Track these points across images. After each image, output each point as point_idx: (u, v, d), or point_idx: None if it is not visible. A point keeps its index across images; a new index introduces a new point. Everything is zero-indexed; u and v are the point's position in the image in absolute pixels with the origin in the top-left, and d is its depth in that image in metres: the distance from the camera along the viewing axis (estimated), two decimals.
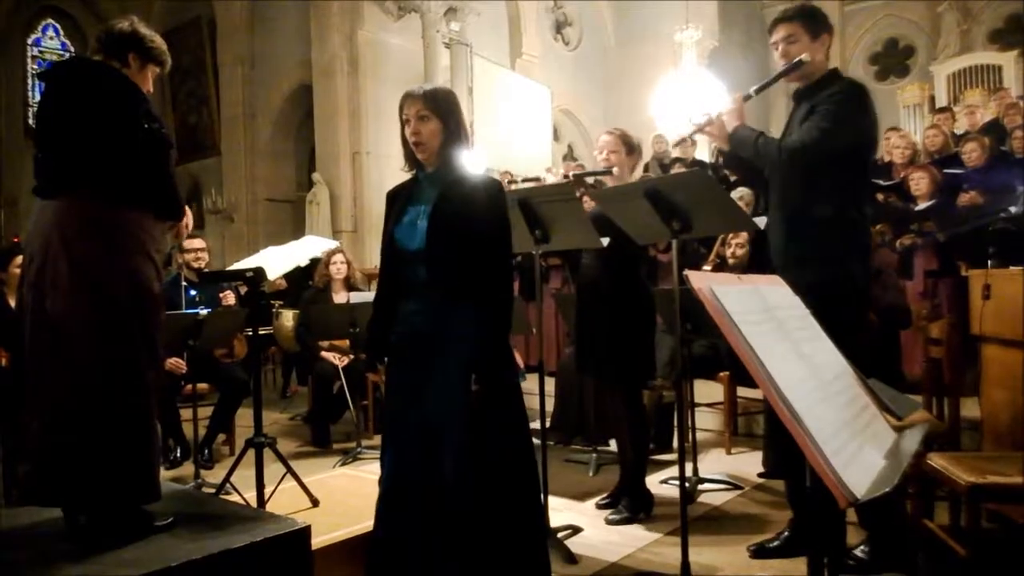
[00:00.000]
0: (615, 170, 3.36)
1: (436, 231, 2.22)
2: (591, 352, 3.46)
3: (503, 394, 2.26)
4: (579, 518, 3.43)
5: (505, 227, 2.31)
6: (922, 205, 5.15)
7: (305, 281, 6.19)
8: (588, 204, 3.39)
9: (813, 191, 2.62)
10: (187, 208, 2.48)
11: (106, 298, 2.16)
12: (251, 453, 3.10)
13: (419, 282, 2.26)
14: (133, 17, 2.47)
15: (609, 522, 3.38)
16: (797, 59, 2.66)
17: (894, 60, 14.26)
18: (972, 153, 5.60)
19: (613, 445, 4.20)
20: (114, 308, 2.16)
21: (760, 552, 2.95)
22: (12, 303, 4.08)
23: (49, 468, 2.13)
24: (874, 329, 2.70)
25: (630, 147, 3.44)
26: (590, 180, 3.42)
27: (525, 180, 3.92)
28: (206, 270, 5.08)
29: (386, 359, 2.41)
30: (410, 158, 2.37)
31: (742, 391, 4.66)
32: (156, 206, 2.32)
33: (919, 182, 5.21)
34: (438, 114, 2.29)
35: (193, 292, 4.83)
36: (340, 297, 5.38)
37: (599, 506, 3.60)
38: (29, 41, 14.40)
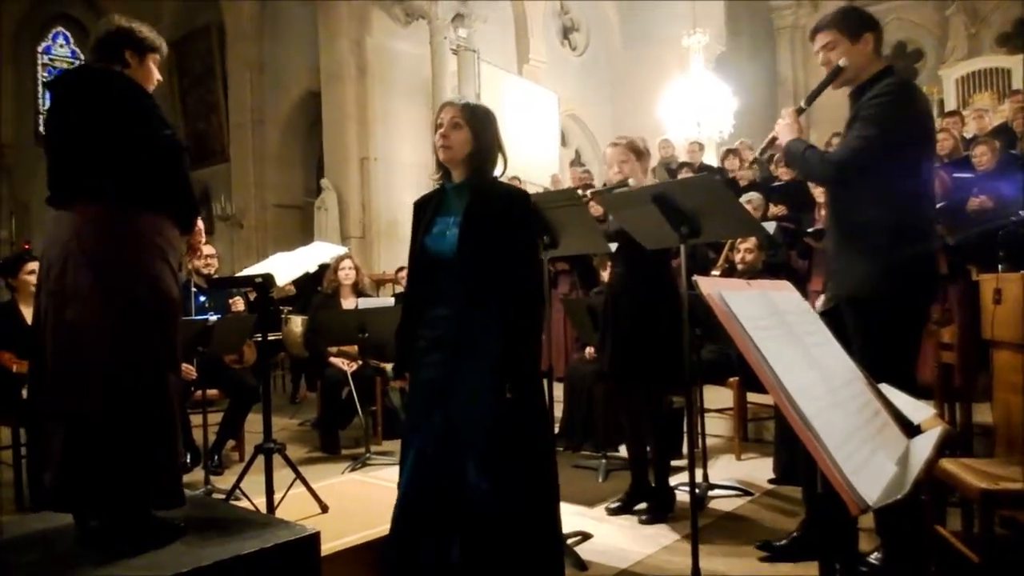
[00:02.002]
0: (631, 181, 3.36)
1: (467, 239, 2.26)
2: (633, 359, 3.45)
3: (530, 400, 2.28)
4: (589, 524, 3.42)
5: (533, 235, 2.35)
6: None
7: (314, 287, 6.21)
8: (596, 209, 3.40)
9: (864, 194, 2.58)
10: (200, 222, 2.47)
11: (128, 304, 2.16)
12: (260, 459, 3.11)
13: (449, 289, 2.30)
14: (111, 16, 2.48)
15: (642, 522, 3.44)
16: (835, 66, 2.62)
17: (903, 63, 14.20)
18: (982, 156, 5.58)
19: (622, 451, 4.19)
20: (136, 314, 2.16)
21: (767, 548, 2.96)
22: (24, 309, 4.12)
23: (75, 476, 2.11)
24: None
25: (638, 152, 3.46)
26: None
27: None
28: (215, 276, 5.10)
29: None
30: (440, 166, 2.41)
31: (752, 396, 4.64)
32: (174, 210, 2.32)
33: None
34: (471, 125, 2.33)
35: (203, 298, 4.85)
36: (349, 303, 5.39)
37: (610, 510, 3.60)
38: (39, 49, 14.50)
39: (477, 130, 2.33)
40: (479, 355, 2.24)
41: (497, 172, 2.42)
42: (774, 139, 2.79)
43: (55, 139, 2.31)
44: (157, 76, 2.48)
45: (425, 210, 2.42)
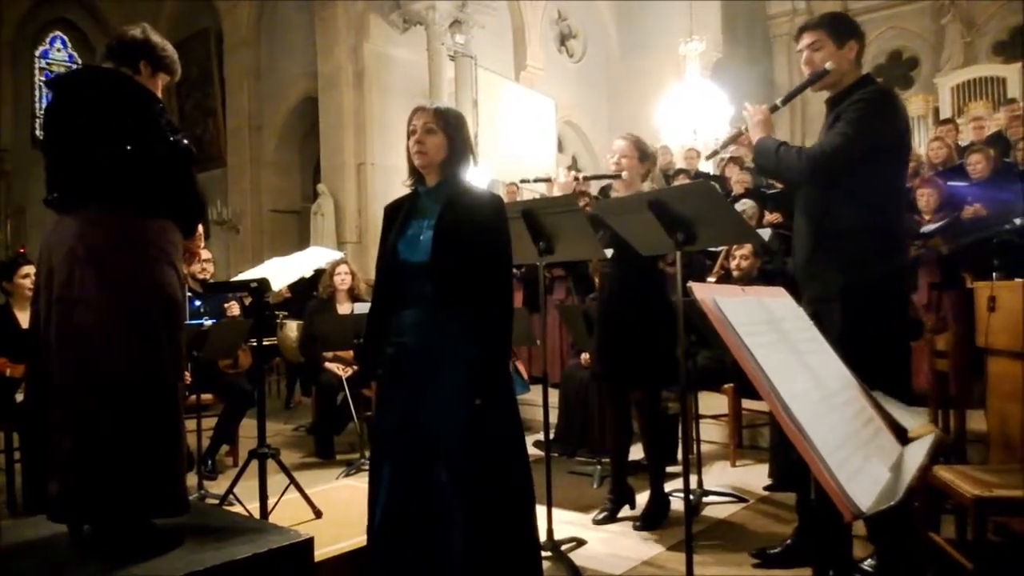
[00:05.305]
0: (624, 175, 3.36)
1: (441, 244, 2.22)
2: (624, 361, 3.43)
3: (502, 407, 2.25)
4: (583, 530, 3.41)
5: (506, 240, 2.32)
6: (930, 226, 5.12)
7: (309, 292, 6.20)
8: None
9: (837, 198, 2.56)
10: (200, 227, 2.44)
11: (137, 311, 2.13)
12: (254, 464, 3.10)
13: (421, 295, 2.24)
14: (145, 24, 2.41)
15: (636, 529, 3.43)
16: (822, 68, 2.61)
17: (898, 72, 14.28)
18: (977, 165, 5.61)
19: None
20: (144, 320, 2.14)
21: (761, 556, 2.96)
22: (18, 313, 4.11)
23: (85, 485, 2.08)
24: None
25: (643, 153, 3.45)
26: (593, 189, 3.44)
27: (537, 179, 3.92)
28: (211, 281, 5.10)
29: (379, 372, 2.38)
30: (413, 171, 2.38)
31: (747, 403, 4.64)
32: (181, 216, 2.30)
33: (928, 198, 5.23)
34: (445, 130, 2.31)
35: (198, 303, 4.83)
36: (344, 308, 5.39)
37: (596, 522, 3.56)
38: (37, 53, 14.49)
39: (451, 134, 2.31)
40: (450, 362, 2.19)
41: (487, 174, 2.41)
42: (739, 133, 2.75)
43: (58, 140, 2.25)
44: (160, 95, 2.42)
45: (397, 214, 2.38)
